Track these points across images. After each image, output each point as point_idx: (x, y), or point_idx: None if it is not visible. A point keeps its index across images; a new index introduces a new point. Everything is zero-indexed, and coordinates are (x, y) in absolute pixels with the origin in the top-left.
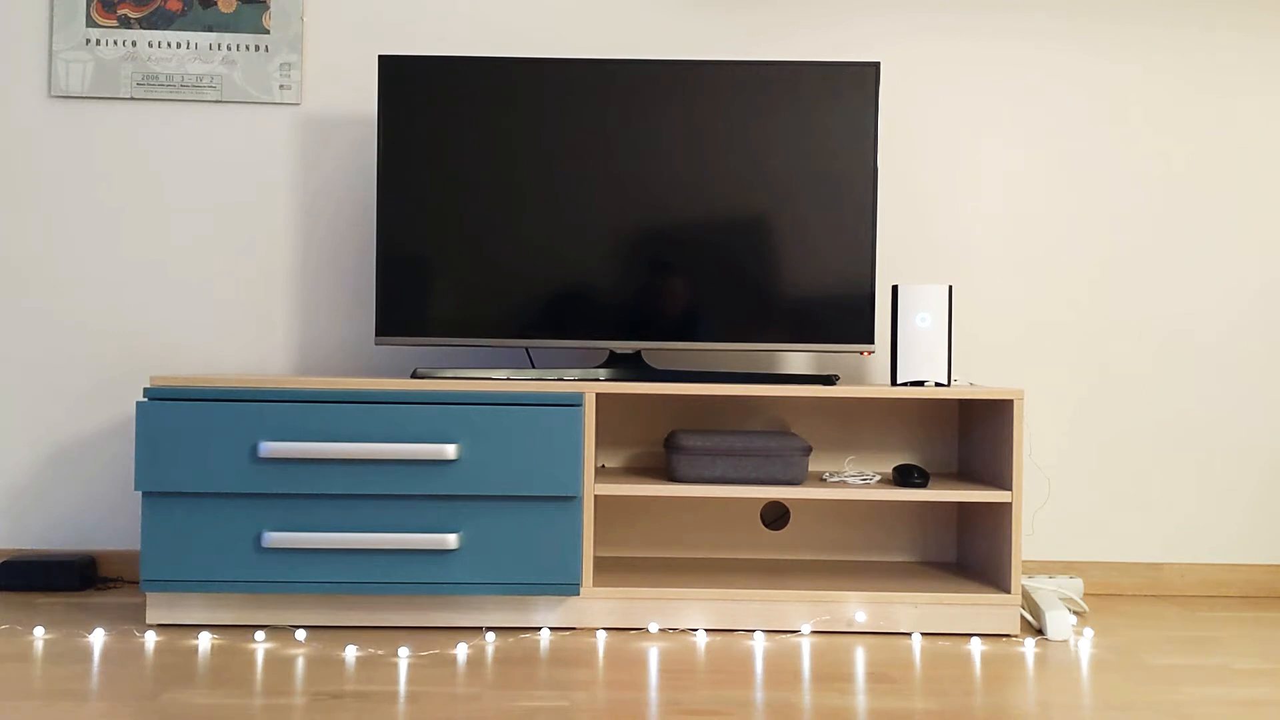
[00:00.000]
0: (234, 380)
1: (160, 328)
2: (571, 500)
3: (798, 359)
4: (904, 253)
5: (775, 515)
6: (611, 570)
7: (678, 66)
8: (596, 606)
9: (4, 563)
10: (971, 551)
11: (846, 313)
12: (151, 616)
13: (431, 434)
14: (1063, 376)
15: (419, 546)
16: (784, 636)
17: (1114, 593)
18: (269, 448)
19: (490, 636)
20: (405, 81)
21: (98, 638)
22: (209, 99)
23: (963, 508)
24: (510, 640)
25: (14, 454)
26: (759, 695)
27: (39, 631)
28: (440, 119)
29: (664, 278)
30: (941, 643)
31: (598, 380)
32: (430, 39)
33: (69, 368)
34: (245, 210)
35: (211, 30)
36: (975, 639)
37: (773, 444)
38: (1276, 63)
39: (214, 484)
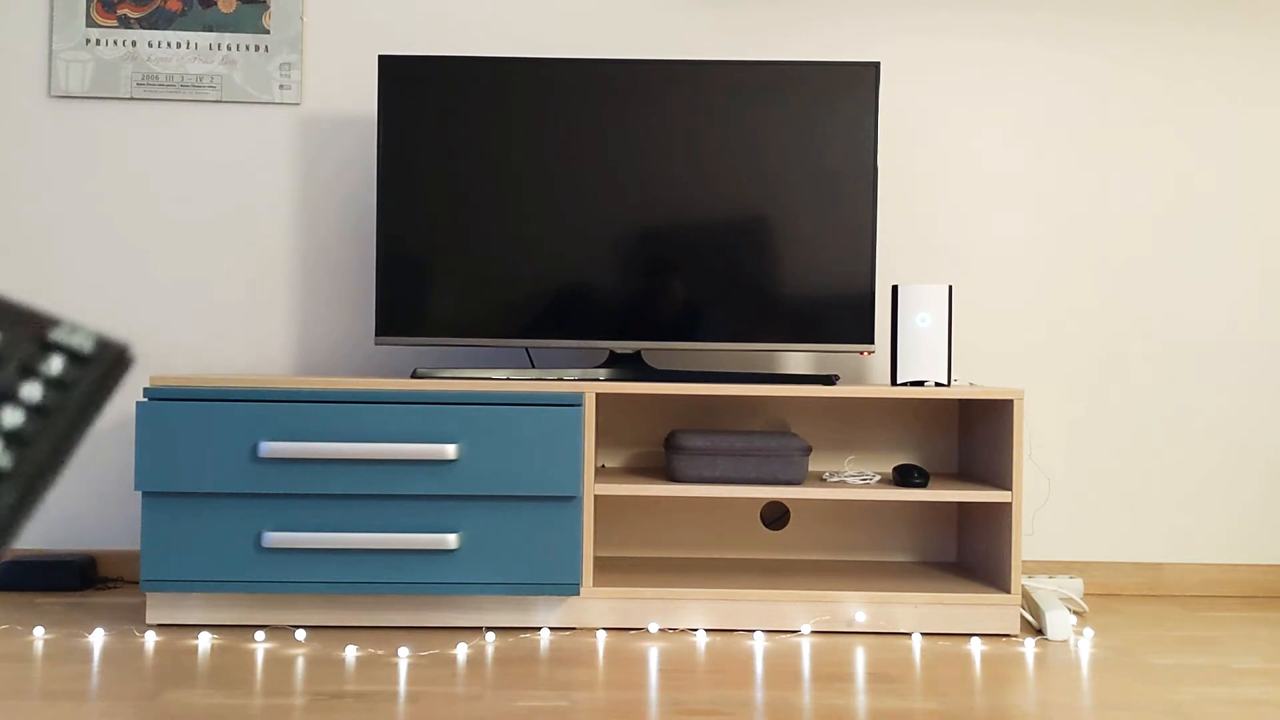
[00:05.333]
0: (234, 380)
1: (160, 328)
2: (571, 500)
3: (798, 359)
4: (904, 253)
5: (775, 515)
6: (611, 570)
7: (678, 66)
8: (596, 606)
9: (4, 563)
10: (971, 551)
11: (846, 313)
12: (151, 616)
13: (431, 434)
14: (1063, 376)
15: (419, 546)
16: (784, 636)
17: (1114, 593)
18: (269, 448)
19: (490, 636)
20: (405, 81)
21: (98, 638)
22: (209, 99)
23: (963, 508)
24: (510, 640)
25: None
26: (759, 695)
27: (39, 631)
28: (440, 119)
29: (664, 278)
30: (941, 643)
31: (598, 380)
32: (430, 39)
33: None
34: (245, 210)
35: (211, 30)
36: (975, 639)
37: (773, 444)
38: (1279, 63)
39: (214, 484)
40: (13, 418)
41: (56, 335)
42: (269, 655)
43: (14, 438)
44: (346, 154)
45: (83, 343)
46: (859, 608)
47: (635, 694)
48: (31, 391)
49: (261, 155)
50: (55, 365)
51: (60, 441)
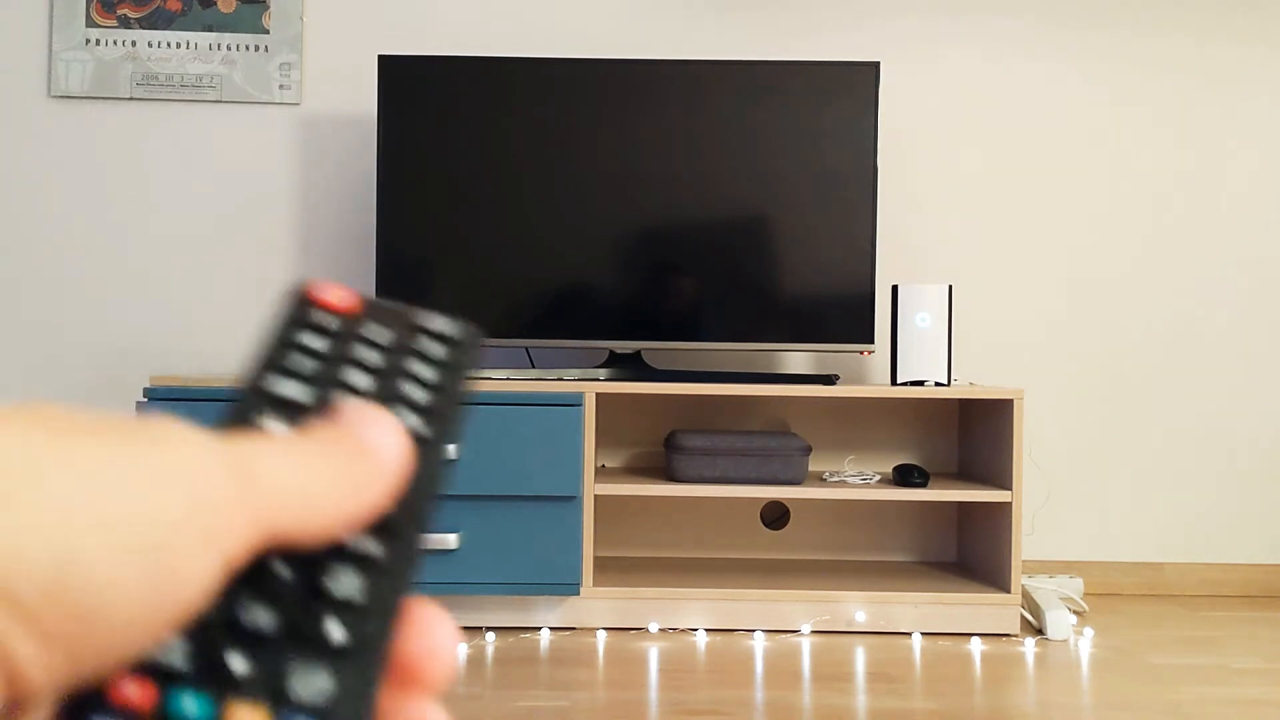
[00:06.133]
0: (234, 380)
1: (160, 328)
2: (571, 500)
3: (798, 359)
4: (904, 253)
5: (775, 515)
6: (611, 570)
7: (678, 66)
8: (596, 606)
9: None
10: (971, 551)
11: (846, 313)
12: None
13: None
14: (1063, 376)
15: None
16: (784, 636)
17: (1114, 593)
18: None
19: (490, 636)
20: (405, 81)
21: None
22: (209, 99)
23: (963, 507)
24: (510, 640)
25: None
26: (759, 695)
27: None
28: (440, 119)
29: (664, 277)
30: (941, 643)
31: (598, 380)
32: (430, 39)
33: (69, 368)
34: (245, 210)
35: (211, 30)
36: (975, 639)
37: (773, 444)
38: (1274, 64)
39: None
40: (421, 396)
41: (426, 323)
42: None
43: (426, 412)
44: (346, 154)
45: (447, 328)
46: (859, 608)
47: (635, 694)
48: (428, 373)
49: (261, 155)
50: (436, 351)
51: (456, 413)
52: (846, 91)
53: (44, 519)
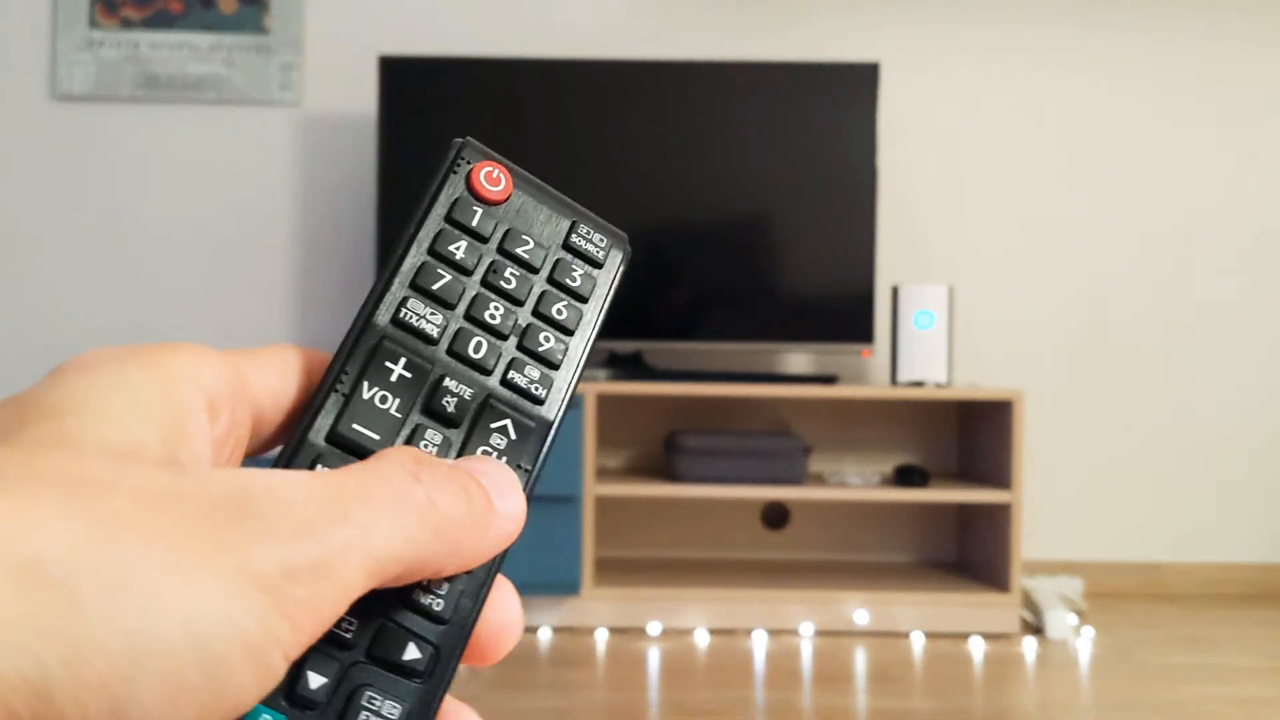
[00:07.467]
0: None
1: (160, 328)
2: (571, 500)
3: (798, 359)
4: (904, 253)
5: (775, 515)
6: (611, 570)
7: (679, 67)
8: (596, 606)
9: None
10: (971, 551)
11: (846, 313)
12: None
13: None
14: (1062, 376)
15: None
16: (784, 636)
17: (1114, 593)
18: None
19: None
20: (405, 81)
21: None
22: (209, 100)
23: (963, 508)
24: None
25: None
26: (759, 695)
27: None
28: (441, 119)
29: (664, 277)
30: (941, 643)
31: (598, 380)
32: (430, 39)
33: None
34: (245, 211)
35: (212, 31)
36: (975, 639)
37: (773, 444)
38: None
39: None
40: (558, 311)
41: (573, 239)
42: None
43: (561, 326)
44: (346, 154)
45: (595, 247)
46: (859, 608)
47: (635, 694)
48: (565, 310)
49: (262, 155)
50: (578, 274)
51: (591, 332)
52: (846, 91)
53: (113, 640)
